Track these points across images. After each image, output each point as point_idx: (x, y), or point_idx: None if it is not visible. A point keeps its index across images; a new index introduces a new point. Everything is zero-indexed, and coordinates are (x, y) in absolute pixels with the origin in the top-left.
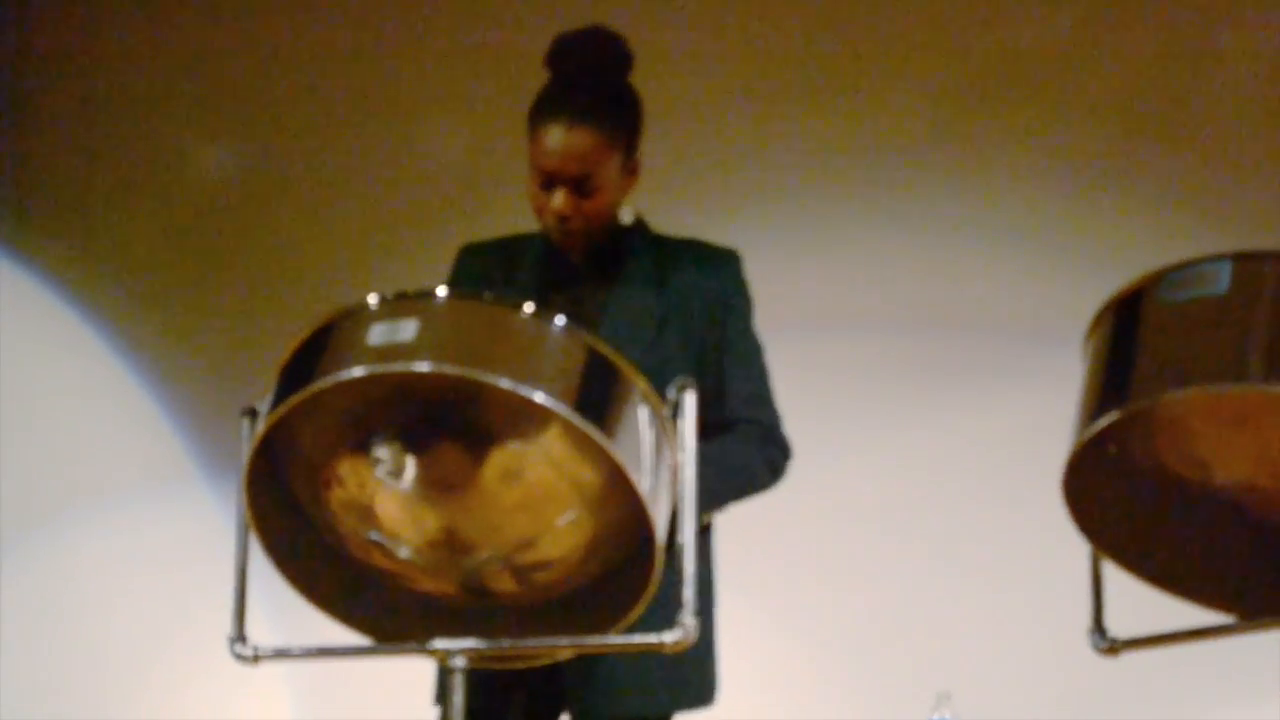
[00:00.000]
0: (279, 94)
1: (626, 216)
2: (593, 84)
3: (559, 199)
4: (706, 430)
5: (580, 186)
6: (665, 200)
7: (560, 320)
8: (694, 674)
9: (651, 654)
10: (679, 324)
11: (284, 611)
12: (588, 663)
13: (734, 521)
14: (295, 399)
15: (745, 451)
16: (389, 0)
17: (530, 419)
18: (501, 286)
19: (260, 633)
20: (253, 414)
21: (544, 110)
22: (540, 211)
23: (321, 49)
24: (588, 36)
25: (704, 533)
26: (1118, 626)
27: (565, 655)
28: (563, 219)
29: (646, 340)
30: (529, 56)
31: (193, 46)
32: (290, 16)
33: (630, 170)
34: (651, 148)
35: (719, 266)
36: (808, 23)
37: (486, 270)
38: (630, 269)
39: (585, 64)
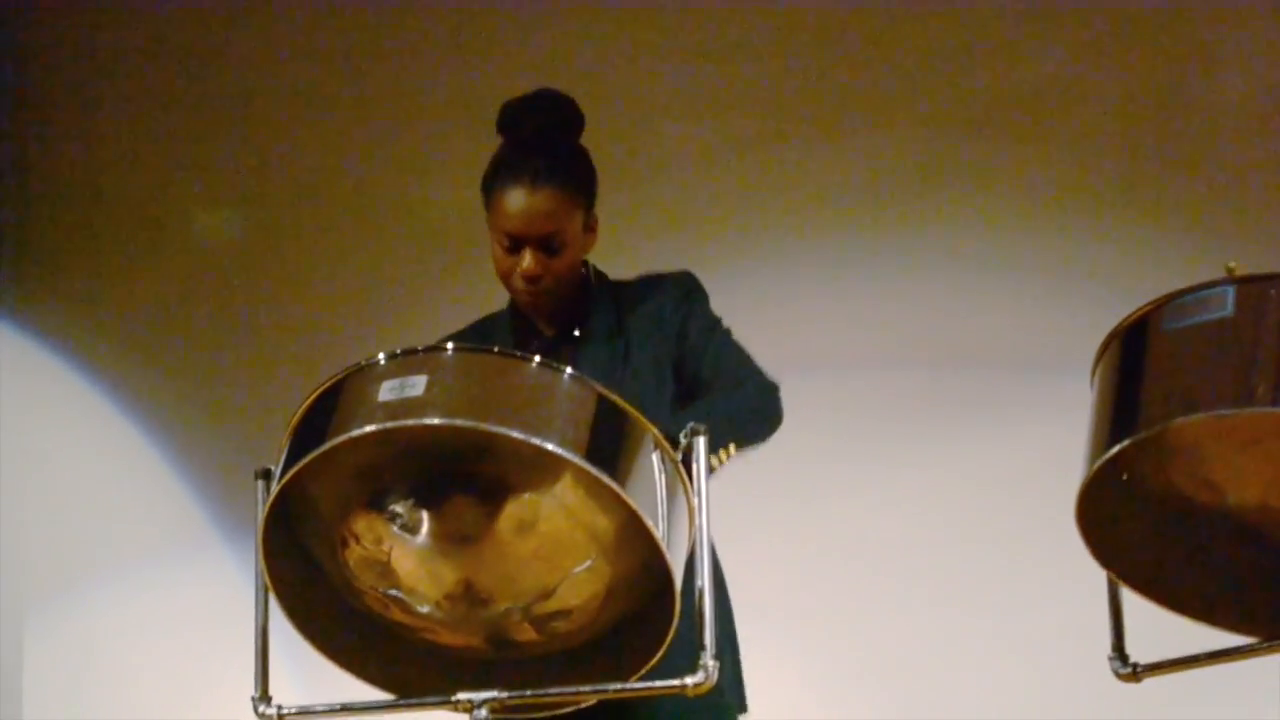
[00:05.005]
0: (282, 153)
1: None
2: (547, 147)
3: (527, 260)
4: None
5: (547, 245)
6: (668, 245)
7: (569, 370)
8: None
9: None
10: (646, 353)
11: (307, 670)
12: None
13: (750, 557)
14: (307, 459)
15: (741, 393)
16: (390, 59)
17: (543, 469)
18: None
19: (284, 692)
20: (267, 475)
21: (503, 174)
22: (507, 276)
23: (324, 108)
24: (538, 100)
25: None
26: (1138, 653)
27: (589, 703)
28: (532, 279)
29: (619, 382)
30: None
31: (196, 108)
32: (294, 75)
33: (590, 228)
34: (654, 193)
35: (667, 285)
36: (803, 61)
37: None
38: (594, 323)
39: (539, 127)
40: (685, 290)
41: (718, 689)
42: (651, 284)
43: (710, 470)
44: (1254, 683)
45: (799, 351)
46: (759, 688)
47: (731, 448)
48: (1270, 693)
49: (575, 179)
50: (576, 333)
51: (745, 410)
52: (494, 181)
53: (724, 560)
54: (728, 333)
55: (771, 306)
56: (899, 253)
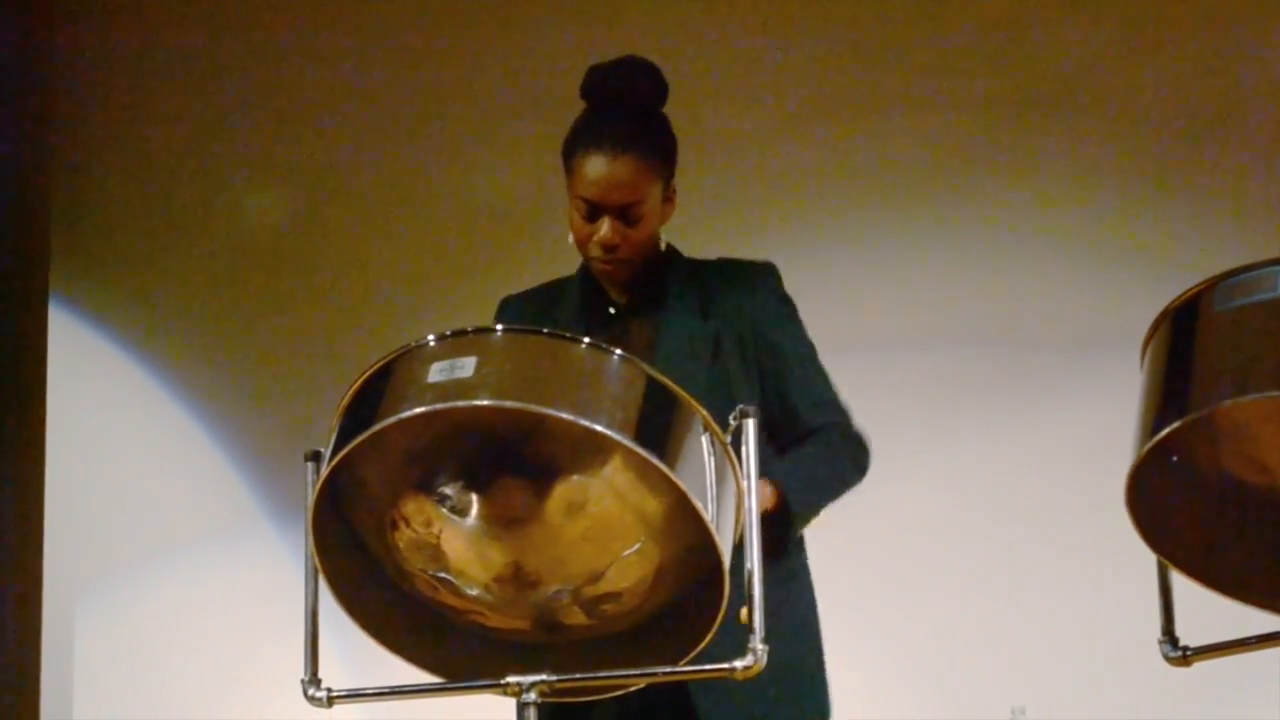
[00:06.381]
0: (329, 137)
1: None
2: (630, 114)
3: (605, 229)
4: (782, 442)
5: (625, 215)
6: (726, 221)
7: (618, 352)
8: (808, 689)
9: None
10: (732, 346)
11: (357, 652)
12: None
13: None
14: (357, 440)
15: (830, 455)
16: (436, 43)
17: (592, 450)
18: None
19: (333, 674)
20: (316, 457)
21: (584, 141)
22: (584, 243)
23: (370, 92)
24: (623, 67)
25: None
26: (1188, 635)
27: (637, 686)
28: (610, 249)
29: (704, 368)
30: (574, 96)
31: (243, 93)
32: (339, 61)
33: (668, 199)
34: (701, 172)
35: (758, 282)
36: (850, 42)
37: (527, 319)
38: (673, 299)
39: (622, 94)
40: (780, 294)
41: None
42: (737, 271)
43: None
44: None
45: (848, 331)
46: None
47: (829, 502)
48: None
49: (657, 148)
50: (653, 304)
51: (845, 474)
52: (575, 146)
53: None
54: (815, 354)
55: (822, 286)
56: (950, 233)
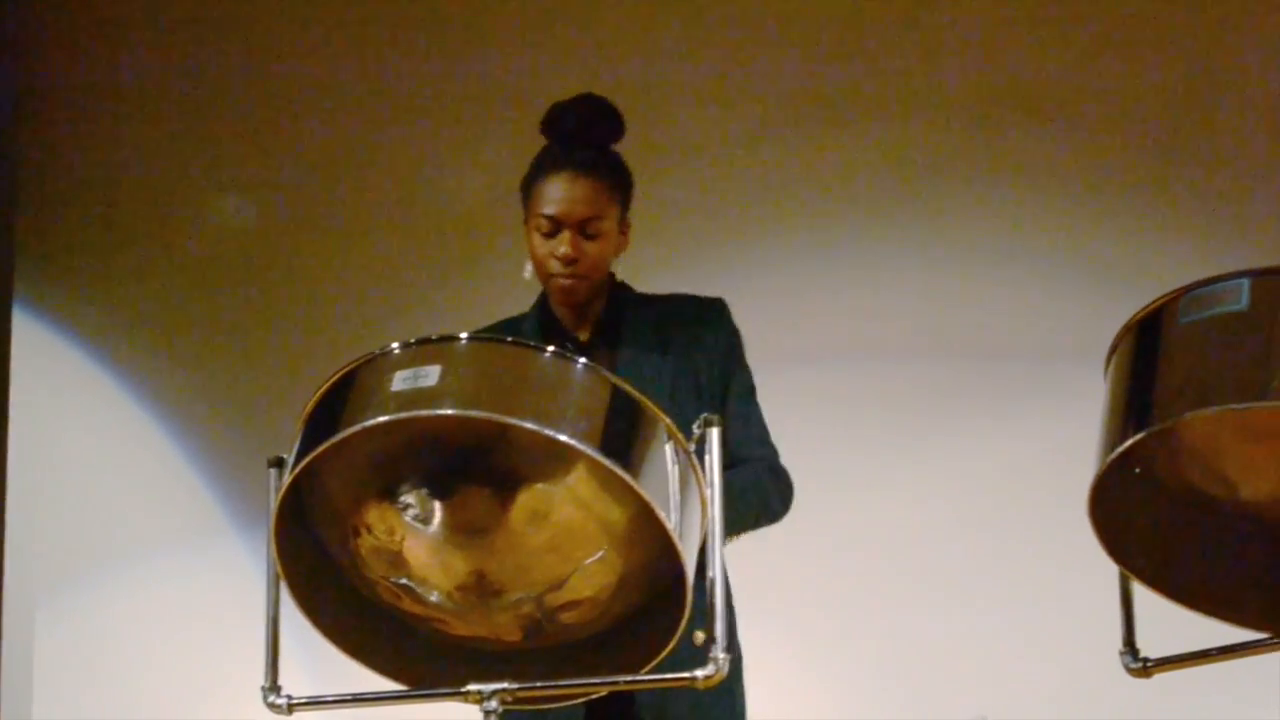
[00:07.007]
0: (295, 142)
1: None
2: (589, 146)
3: (565, 242)
4: None
5: (584, 229)
6: (682, 236)
7: (582, 360)
8: (722, 709)
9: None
10: (688, 380)
11: (318, 660)
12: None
13: (756, 551)
14: (320, 448)
15: (755, 481)
16: (403, 48)
17: (556, 459)
18: None
19: (294, 682)
20: (280, 464)
21: (545, 167)
22: (543, 263)
23: (338, 97)
24: (582, 105)
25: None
26: (1149, 646)
27: (598, 695)
28: (569, 262)
29: (663, 401)
30: (542, 103)
31: (209, 98)
32: (307, 64)
33: (623, 231)
34: (664, 182)
35: (712, 318)
36: (815, 50)
37: None
38: (630, 332)
39: (580, 130)
40: (732, 329)
41: (727, 685)
42: (690, 305)
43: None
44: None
45: (806, 342)
46: (764, 683)
47: (747, 530)
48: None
49: (615, 176)
50: (612, 337)
51: (768, 500)
52: (535, 174)
53: (729, 553)
54: (754, 390)
55: (779, 297)
56: (910, 243)
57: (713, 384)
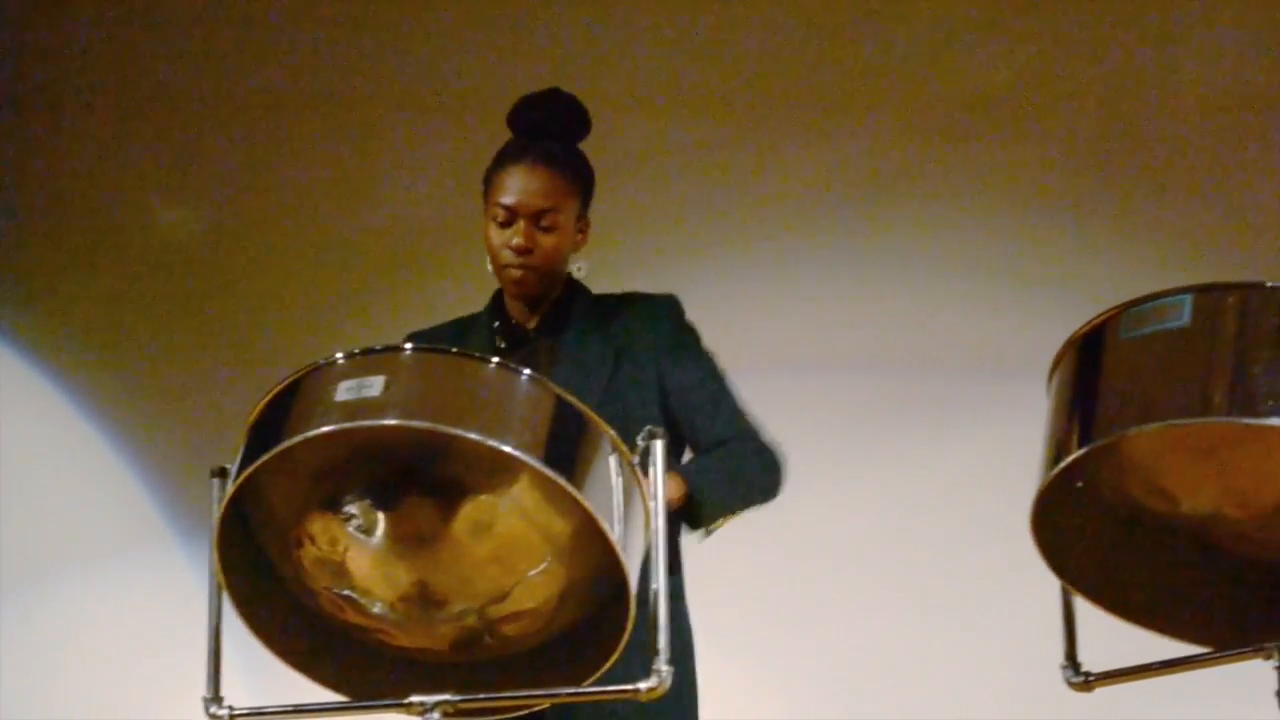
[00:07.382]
0: (242, 151)
1: (578, 272)
2: (553, 139)
3: (519, 232)
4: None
5: (540, 221)
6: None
7: (527, 372)
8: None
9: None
10: (629, 367)
11: (260, 671)
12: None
13: (714, 558)
14: (263, 458)
15: (737, 458)
16: (354, 55)
17: (500, 471)
18: None
19: (236, 693)
20: (223, 474)
21: (506, 157)
22: (497, 253)
23: (283, 104)
24: (548, 98)
25: (674, 574)
26: (1092, 660)
27: (542, 707)
28: (522, 252)
29: (600, 386)
30: (498, 108)
31: (155, 105)
32: (254, 73)
33: (581, 229)
34: (616, 191)
35: (661, 313)
36: (770, 62)
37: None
38: (577, 322)
39: (546, 124)
40: (682, 323)
41: (674, 695)
42: (640, 302)
43: (708, 533)
44: (1209, 691)
45: (762, 352)
46: (720, 688)
47: (737, 513)
48: (1222, 701)
49: (575, 171)
50: (559, 327)
51: (752, 475)
52: (496, 165)
53: (688, 562)
54: (723, 375)
55: (736, 307)
56: (863, 255)
57: (661, 376)
